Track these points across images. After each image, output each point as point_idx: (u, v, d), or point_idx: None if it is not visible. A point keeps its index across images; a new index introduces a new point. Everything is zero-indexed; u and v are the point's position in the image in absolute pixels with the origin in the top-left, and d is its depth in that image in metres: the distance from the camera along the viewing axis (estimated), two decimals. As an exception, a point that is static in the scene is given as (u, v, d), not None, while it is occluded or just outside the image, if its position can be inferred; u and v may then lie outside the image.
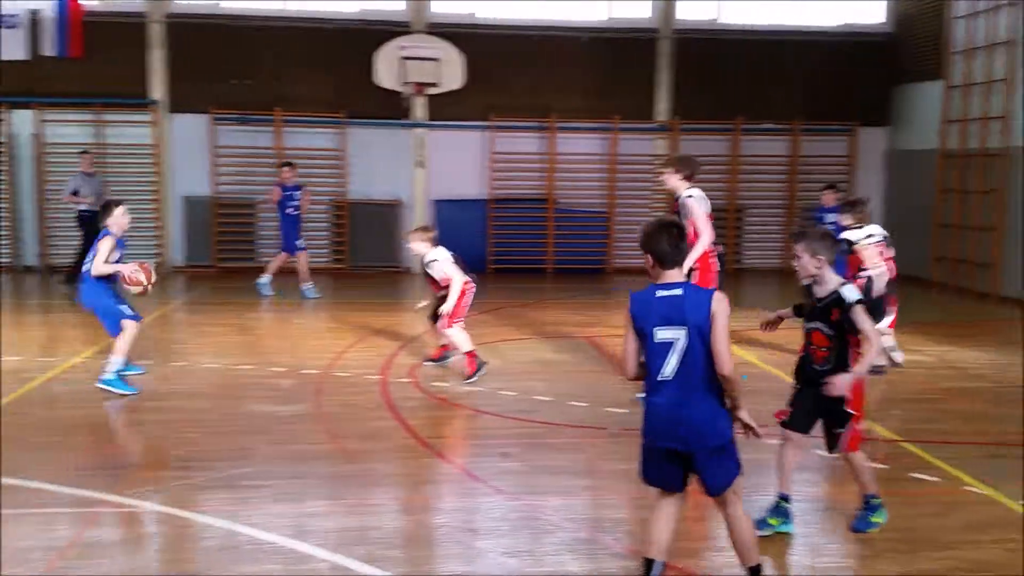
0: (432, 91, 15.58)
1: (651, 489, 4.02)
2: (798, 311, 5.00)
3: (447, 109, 15.94)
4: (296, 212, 12.93)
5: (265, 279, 12.96)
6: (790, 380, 4.96)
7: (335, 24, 15.69)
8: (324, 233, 16.25)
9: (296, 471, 5.71)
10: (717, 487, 3.89)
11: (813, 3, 16.56)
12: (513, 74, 16.09)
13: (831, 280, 4.64)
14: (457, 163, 16.19)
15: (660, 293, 3.79)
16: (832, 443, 4.76)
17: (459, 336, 8.12)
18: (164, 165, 15.59)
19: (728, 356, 3.74)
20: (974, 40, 14.38)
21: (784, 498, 4.87)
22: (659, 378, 3.78)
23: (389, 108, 15.80)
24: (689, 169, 7.33)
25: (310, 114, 15.80)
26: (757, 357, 9.09)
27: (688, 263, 6.93)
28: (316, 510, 5.09)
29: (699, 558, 4.55)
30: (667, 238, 3.82)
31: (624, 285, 15.18)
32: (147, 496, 5.19)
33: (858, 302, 4.54)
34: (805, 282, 4.79)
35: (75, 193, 13.21)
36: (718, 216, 12.32)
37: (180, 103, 15.55)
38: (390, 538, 4.76)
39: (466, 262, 8.49)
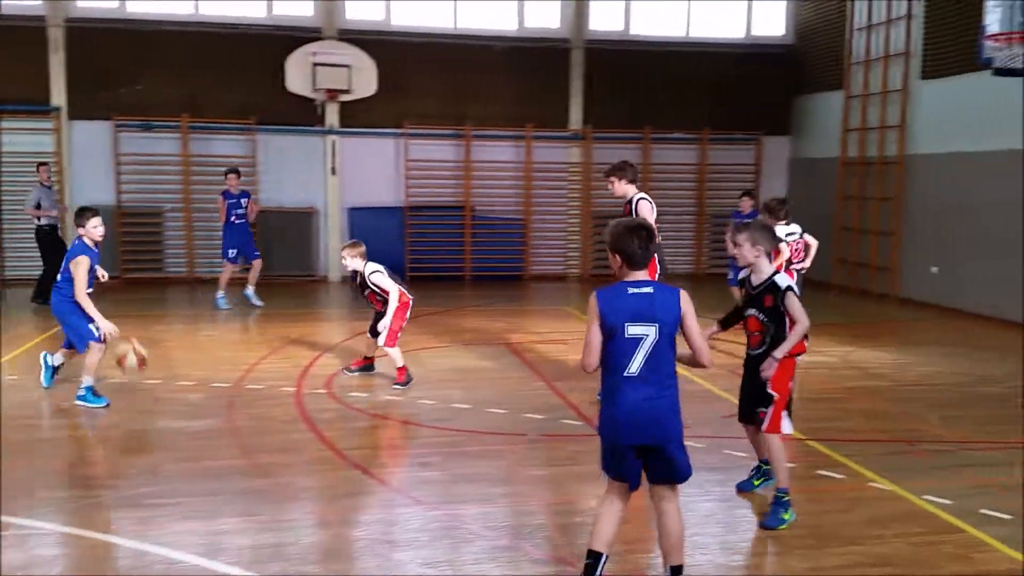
0: (345, 97, 15.43)
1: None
2: (724, 324, 5.47)
3: (361, 116, 15.81)
4: (241, 221, 12.72)
5: (221, 295, 12.63)
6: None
7: (244, 29, 15.39)
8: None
9: (207, 488, 5.56)
10: (683, 476, 4.03)
11: (719, 16, 17.03)
12: (427, 81, 16.06)
13: (766, 269, 5.08)
14: (372, 170, 16.06)
15: (632, 290, 3.88)
16: (748, 417, 5.26)
17: (396, 352, 8.08)
18: (65, 173, 15.00)
19: (707, 349, 3.98)
20: (872, 51, 15.01)
21: (764, 462, 5.44)
22: (625, 374, 3.86)
23: (301, 114, 15.58)
24: (634, 173, 7.94)
25: (218, 120, 15.44)
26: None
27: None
28: (229, 527, 4.96)
29: (613, 561, 4.60)
30: (637, 240, 3.90)
31: (543, 292, 15.31)
32: (50, 517, 4.99)
33: (788, 288, 4.98)
34: (743, 273, 5.21)
35: (37, 206, 12.61)
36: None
37: (81, 109, 15.00)
38: (306, 553, 4.67)
39: (400, 275, 8.50)
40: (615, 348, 3.86)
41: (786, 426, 5.15)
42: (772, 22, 17.38)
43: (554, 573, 4.47)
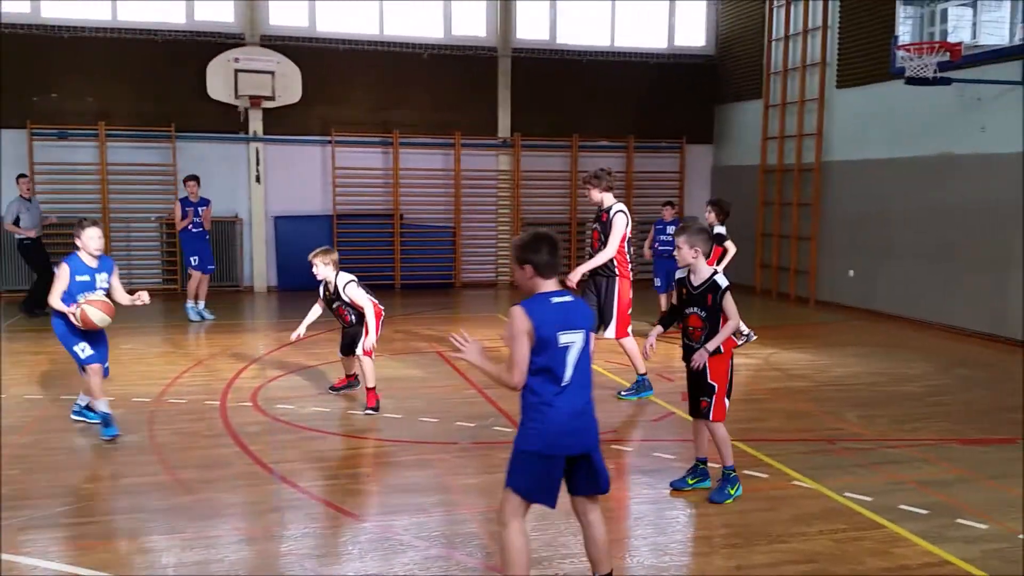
0: (268, 104, 15.21)
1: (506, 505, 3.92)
2: (665, 324, 5.83)
3: (286, 123, 15.61)
4: (199, 229, 12.47)
5: (190, 303, 12.43)
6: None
7: (164, 35, 15.04)
8: (155, 253, 15.51)
9: (128, 505, 5.39)
10: (608, 483, 3.99)
11: (643, 26, 17.30)
12: (354, 88, 15.95)
13: (705, 270, 5.44)
14: (298, 178, 15.86)
15: (555, 300, 3.84)
16: (696, 410, 5.53)
17: (370, 368, 7.56)
18: (-27, 182, 14.43)
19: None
20: (790, 61, 15.43)
21: (702, 461, 5.69)
22: (562, 384, 3.79)
23: (223, 122, 15.30)
24: (611, 181, 8.13)
25: (137, 128, 15.05)
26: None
27: (584, 269, 8.08)
28: (152, 545, 4.82)
29: (545, 567, 4.61)
30: (547, 248, 3.86)
31: (474, 299, 15.30)
32: (-42, 543, 4.77)
33: (727, 289, 5.37)
34: (680, 274, 5.55)
35: (16, 221, 12.21)
36: (560, 230, 12.72)
37: (-7, 117, 14.48)
38: (233, 570, 4.56)
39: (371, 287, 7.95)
40: (550, 359, 3.76)
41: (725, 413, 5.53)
42: (694, 33, 17.75)
43: (486, 581, 4.46)
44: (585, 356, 3.88)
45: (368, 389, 7.57)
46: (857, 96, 13.91)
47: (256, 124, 15.50)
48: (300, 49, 15.45)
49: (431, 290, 16.10)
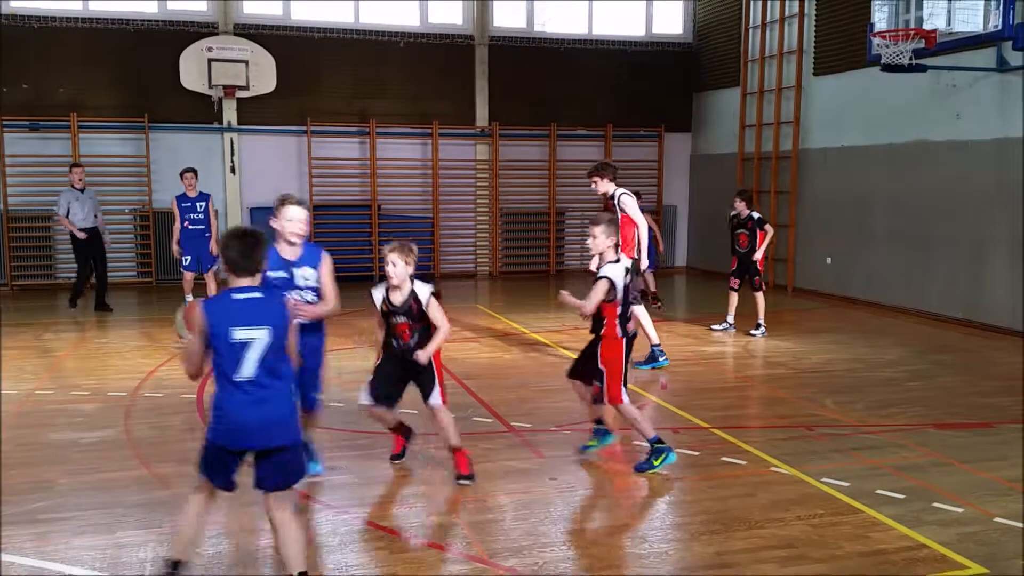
0: (243, 94, 15.07)
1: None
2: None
3: (261, 113, 15.47)
4: (197, 227, 11.54)
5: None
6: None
7: (136, 25, 14.85)
8: (128, 245, 15.36)
9: (105, 500, 5.33)
10: (285, 483, 4.00)
11: (620, 14, 17.28)
12: (330, 78, 15.83)
13: (610, 257, 5.75)
14: (274, 169, 15.72)
15: (238, 296, 3.90)
16: (596, 396, 5.79)
17: (451, 421, 5.81)
18: (-58, 175, 14.22)
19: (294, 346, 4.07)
20: (767, 49, 15.47)
21: (598, 422, 6.06)
22: (235, 378, 3.84)
23: (197, 112, 15.16)
24: (614, 171, 8.57)
25: (110, 119, 14.87)
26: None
27: (644, 256, 8.57)
28: (129, 540, 4.77)
29: (525, 556, 4.61)
30: (238, 247, 3.93)
31: (452, 290, 15.25)
32: (-70, 541, 4.70)
33: (603, 277, 5.64)
34: (593, 263, 5.83)
35: (67, 214, 11.76)
36: (539, 220, 12.83)
37: (-40, 108, 14.26)
38: (211, 564, 4.53)
39: None
40: (223, 355, 3.83)
41: (625, 396, 5.71)
42: (671, 21, 17.75)
43: (467, 571, 4.45)
44: (273, 351, 3.87)
45: (455, 451, 5.70)
46: (834, 84, 13.97)
47: (230, 114, 15.36)
48: (274, 38, 15.31)
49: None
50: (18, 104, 14.47)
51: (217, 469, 4.00)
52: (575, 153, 17.18)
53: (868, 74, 12.67)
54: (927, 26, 11.28)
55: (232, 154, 15.45)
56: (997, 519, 5.07)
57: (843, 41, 13.54)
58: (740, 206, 10.81)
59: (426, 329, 5.58)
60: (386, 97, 16.15)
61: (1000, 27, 10.10)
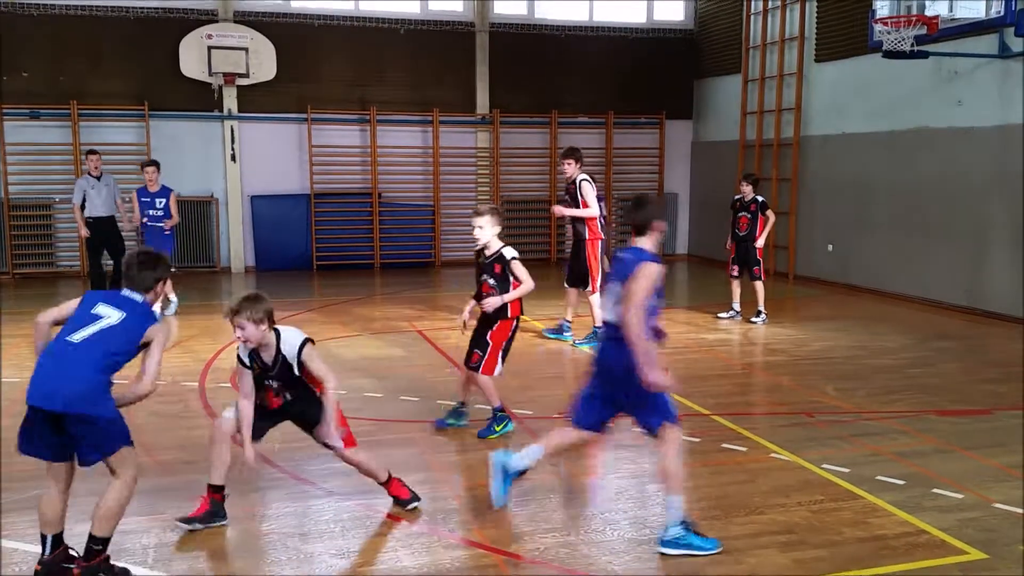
0: (243, 82, 15.04)
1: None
2: (476, 297, 6.45)
3: (261, 100, 15.45)
4: (157, 224, 11.03)
5: (172, 299, 11.23)
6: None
7: (136, 12, 14.81)
8: (131, 234, 15.33)
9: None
10: (90, 459, 4.10)
11: (621, 1, 17.20)
12: (330, 65, 15.79)
13: (495, 244, 6.25)
14: (274, 157, 15.72)
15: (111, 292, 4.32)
16: (468, 361, 6.34)
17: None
18: (-57, 163, 14.22)
19: (151, 375, 4.31)
20: (769, 36, 15.41)
21: (463, 404, 6.58)
22: (62, 340, 4.05)
23: (197, 100, 15.13)
24: (581, 158, 9.46)
25: (110, 107, 14.85)
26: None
27: (568, 212, 9.46)
28: (132, 527, 4.79)
29: (526, 542, 4.63)
30: (136, 262, 4.30)
31: (454, 278, 15.26)
32: (-66, 527, 4.72)
33: (514, 258, 6.18)
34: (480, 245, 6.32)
35: (83, 203, 11.47)
36: (540, 207, 12.85)
37: (-40, 96, 14.23)
38: (214, 550, 4.55)
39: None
40: (71, 320, 4.13)
41: (498, 369, 6.29)
42: (672, 7, 17.68)
43: (468, 556, 4.48)
44: (112, 334, 4.07)
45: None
46: (835, 70, 13.93)
47: (231, 102, 15.33)
48: (274, 25, 15.26)
49: (411, 269, 16.05)
50: (18, 92, 14.44)
51: (27, 432, 4.20)
52: (576, 141, 17.07)
53: (870, 61, 12.63)
54: (929, 12, 11.24)
55: (232, 142, 15.43)
56: (997, 505, 5.09)
57: (845, 27, 13.49)
58: (746, 189, 10.88)
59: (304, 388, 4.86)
60: (386, 84, 16.11)
61: (1002, 13, 10.07)
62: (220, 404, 7.11)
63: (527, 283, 6.20)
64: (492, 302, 6.19)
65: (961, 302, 11.70)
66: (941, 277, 12.02)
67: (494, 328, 6.27)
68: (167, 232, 11.12)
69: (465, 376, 6.51)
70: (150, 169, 11.22)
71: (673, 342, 9.40)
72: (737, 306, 11.03)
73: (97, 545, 4.08)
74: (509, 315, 6.27)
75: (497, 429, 6.35)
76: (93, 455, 4.07)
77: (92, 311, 4.13)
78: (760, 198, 10.89)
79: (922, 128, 12.23)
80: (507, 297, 6.20)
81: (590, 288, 9.43)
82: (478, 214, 6.23)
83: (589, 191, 9.30)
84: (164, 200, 11.18)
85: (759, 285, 10.79)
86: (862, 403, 7.32)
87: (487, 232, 6.22)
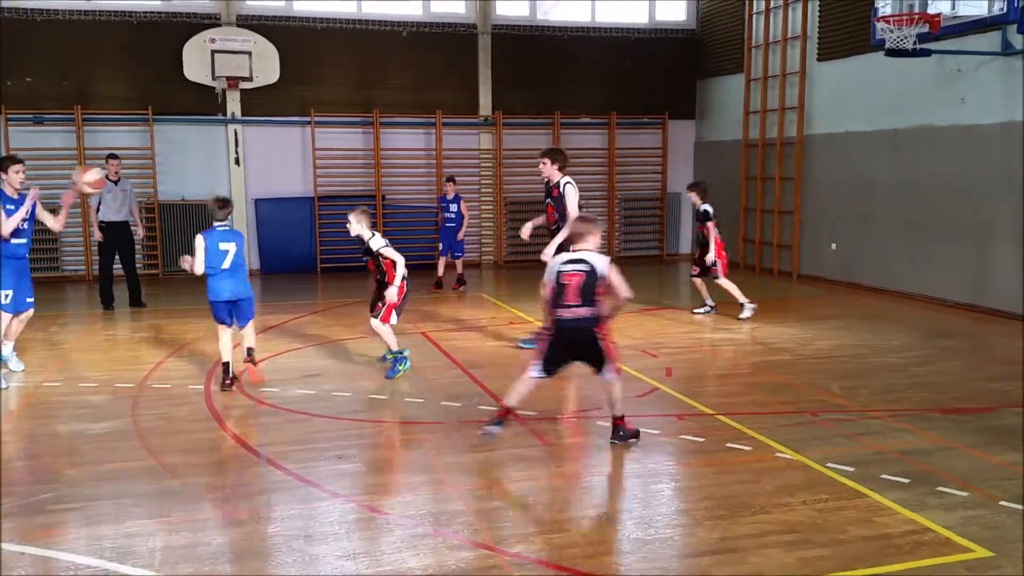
0: (246, 85, 15.08)
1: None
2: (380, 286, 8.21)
3: (264, 104, 15.48)
4: (21, 240, 9.94)
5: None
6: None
7: (139, 17, 14.85)
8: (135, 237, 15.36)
9: (114, 490, 5.37)
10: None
11: (623, 2, 17.20)
12: (333, 68, 15.82)
13: (366, 235, 8.02)
14: (278, 160, 15.75)
15: (219, 228, 7.69)
16: (372, 309, 8.18)
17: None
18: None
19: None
20: (771, 35, 15.41)
21: (390, 352, 8.20)
22: (217, 269, 7.58)
23: (201, 104, 15.17)
24: (563, 160, 8.94)
25: (114, 112, 14.89)
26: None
27: (556, 243, 8.57)
28: (138, 530, 4.81)
29: (531, 543, 4.64)
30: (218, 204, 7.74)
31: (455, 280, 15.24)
32: (-58, 532, 4.74)
33: (381, 247, 7.99)
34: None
35: (99, 206, 11.51)
36: (543, 208, 12.64)
37: (-36, 101, 14.27)
38: (220, 553, 4.57)
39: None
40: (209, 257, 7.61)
41: (394, 319, 8.07)
42: (674, 7, 17.68)
43: (473, 558, 4.48)
44: (241, 255, 7.56)
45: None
46: (838, 69, 13.92)
47: (234, 106, 15.37)
48: (277, 29, 15.30)
49: (415, 270, 15.90)
50: (22, 97, 14.49)
51: (218, 311, 7.84)
52: (579, 141, 17.16)
53: (872, 59, 12.62)
54: (931, 10, 11.25)
55: (236, 145, 15.47)
56: (1002, 503, 5.09)
57: (847, 26, 13.49)
58: (695, 198, 11.27)
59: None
60: (389, 87, 16.14)
61: (1005, 10, 10.05)
62: (226, 406, 7.14)
63: (399, 263, 8.07)
64: (389, 294, 8.11)
65: (965, 300, 11.68)
66: (945, 275, 12.01)
67: (388, 295, 8.07)
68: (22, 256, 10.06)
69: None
70: (14, 168, 10.91)
71: (677, 342, 9.40)
72: (710, 301, 11.31)
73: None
74: (390, 281, 8.08)
75: (400, 368, 8.01)
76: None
77: (220, 250, 7.52)
78: (704, 207, 11.09)
79: (925, 126, 12.22)
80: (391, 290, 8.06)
81: None
82: (352, 213, 8.03)
83: (573, 196, 8.72)
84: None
85: (726, 282, 11.06)
86: (866, 402, 7.31)
87: (355, 228, 8.10)
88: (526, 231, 9.20)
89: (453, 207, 13.77)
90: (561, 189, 8.72)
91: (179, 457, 6.01)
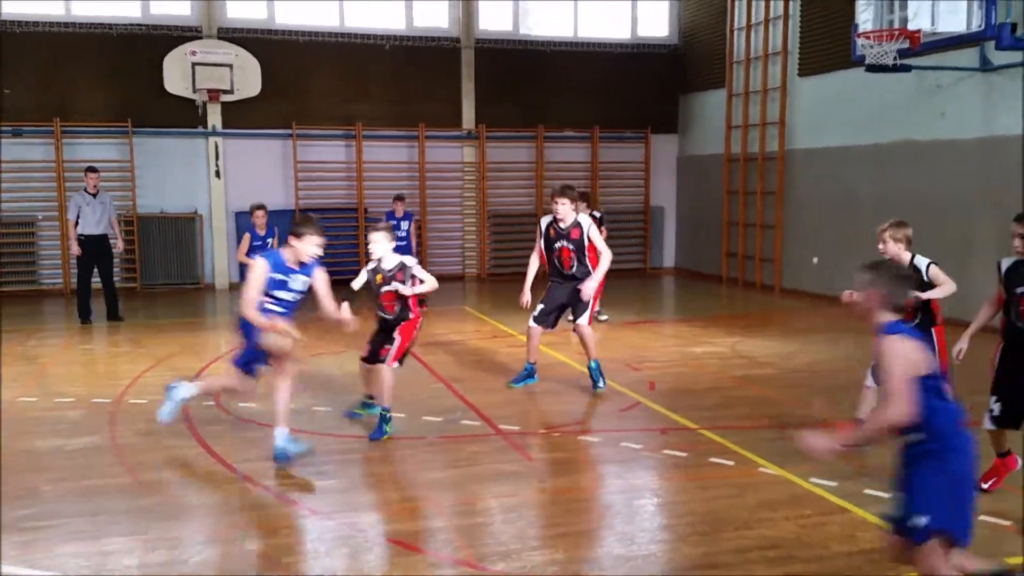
0: (227, 98, 15.01)
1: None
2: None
3: (246, 116, 15.41)
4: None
5: None
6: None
7: (119, 29, 14.77)
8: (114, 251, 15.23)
9: (90, 507, 5.28)
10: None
11: (606, 17, 17.28)
12: (315, 81, 15.78)
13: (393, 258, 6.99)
14: (259, 172, 15.66)
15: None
16: (375, 357, 6.98)
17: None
18: (-76, 181, 14.09)
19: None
20: (752, 50, 15.51)
21: (370, 397, 7.06)
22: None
23: (181, 116, 15.09)
24: (587, 201, 9.12)
25: (93, 124, 14.78)
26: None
27: (596, 282, 8.01)
28: (115, 547, 4.73)
29: (513, 560, 4.60)
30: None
31: (440, 292, 15.16)
32: (-89, 551, 4.64)
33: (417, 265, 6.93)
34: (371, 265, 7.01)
35: (77, 220, 11.46)
36: (527, 221, 12.82)
37: (-58, 113, 14.13)
38: (197, 571, 4.49)
39: None
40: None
41: (396, 366, 6.71)
42: (657, 23, 17.78)
43: (454, 575, 4.43)
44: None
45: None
46: (819, 84, 14.02)
47: (215, 118, 15.29)
48: (259, 42, 15.26)
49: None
50: (0, 109, 14.36)
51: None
52: (562, 155, 17.19)
53: (853, 74, 12.72)
54: (911, 26, 11.34)
55: (217, 158, 15.39)
56: (984, 517, 5.08)
57: (827, 42, 13.59)
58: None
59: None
60: (372, 100, 16.11)
61: (983, 27, 10.15)
62: (204, 421, 7.05)
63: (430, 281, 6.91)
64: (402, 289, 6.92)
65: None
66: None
67: (402, 327, 6.86)
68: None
69: (373, 370, 6.97)
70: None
71: (660, 356, 9.39)
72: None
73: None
74: (411, 316, 6.91)
75: (387, 429, 6.64)
76: None
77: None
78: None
79: (905, 141, 12.31)
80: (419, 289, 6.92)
81: (586, 320, 8.14)
82: (375, 230, 6.94)
83: (596, 232, 8.05)
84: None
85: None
86: (849, 416, 7.30)
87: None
88: (526, 301, 8.30)
89: (404, 224, 12.61)
90: (585, 230, 7.90)
91: (157, 474, 5.93)
